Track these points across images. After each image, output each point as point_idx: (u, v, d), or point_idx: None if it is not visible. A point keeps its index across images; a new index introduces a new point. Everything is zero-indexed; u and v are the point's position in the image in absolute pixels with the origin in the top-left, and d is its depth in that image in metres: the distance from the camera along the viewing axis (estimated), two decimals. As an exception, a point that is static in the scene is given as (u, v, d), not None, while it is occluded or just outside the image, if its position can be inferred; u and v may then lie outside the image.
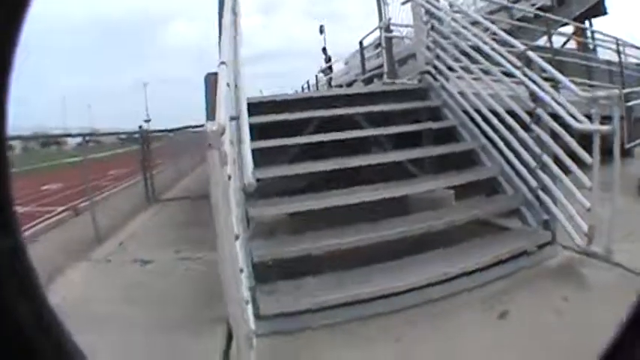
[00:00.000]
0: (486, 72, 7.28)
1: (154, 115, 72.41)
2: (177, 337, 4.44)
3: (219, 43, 5.34)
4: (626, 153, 6.74)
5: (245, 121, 4.56)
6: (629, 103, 10.06)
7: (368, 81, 14.20)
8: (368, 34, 15.54)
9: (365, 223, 5.72)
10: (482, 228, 6.38)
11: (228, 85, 4.37)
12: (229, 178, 3.34)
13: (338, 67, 26.32)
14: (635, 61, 17.10)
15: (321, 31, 34.39)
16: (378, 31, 13.23)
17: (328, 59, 26.28)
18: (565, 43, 18.02)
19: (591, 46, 18.57)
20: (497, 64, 6.98)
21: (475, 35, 7.55)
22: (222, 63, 4.49)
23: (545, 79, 6.43)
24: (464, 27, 7.83)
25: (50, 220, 10.72)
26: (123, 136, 19.70)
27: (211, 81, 4.56)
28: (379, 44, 13.85)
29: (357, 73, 17.28)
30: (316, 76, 26.48)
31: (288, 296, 4.84)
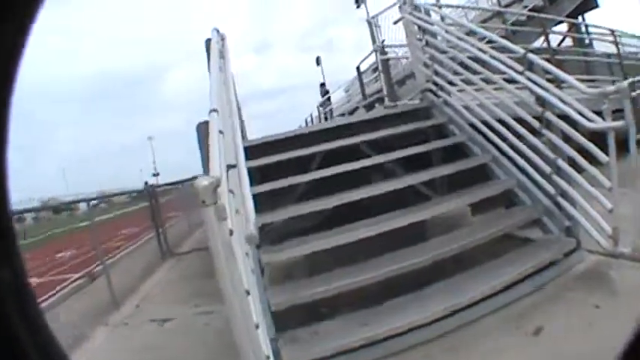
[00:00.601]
0: (488, 81, 7.17)
1: (163, 169, 72.63)
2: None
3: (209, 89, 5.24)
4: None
5: (243, 168, 4.39)
6: (634, 93, 9.90)
7: (369, 106, 14.12)
8: (364, 59, 15.51)
9: (383, 255, 5.56)
10: (505, 242, 6.17)
11: (221, 132, 4.20)
12: (231, 233, 3.14)
13: (339, 95, 26.34)
14: (633, 49, 17.09)
15: (318, 62, 34.73)
16: (374, 54, 13.17)
17: (325, 92, 26.28)
18: (561, 42, 18.01)
19: (587, 41, 18.55)
20: (499, 71, 6.86)
21: (472, 45, 7.45)
22: (214, 110, 4.36)
23: (549, 80, 6.29)
24: (459, 38, 7.73)
25: (66, 288, 10.66)
26: (131, 194, 19.79)
27: (203, 130, 4.41)
28: (376, 68, 13.81)
29: (359, 100, 17.28)
30: (318, 108, 26.48)
31: (309, 344, 4.68)
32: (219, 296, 6.62)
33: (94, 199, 12.11)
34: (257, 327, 3.42)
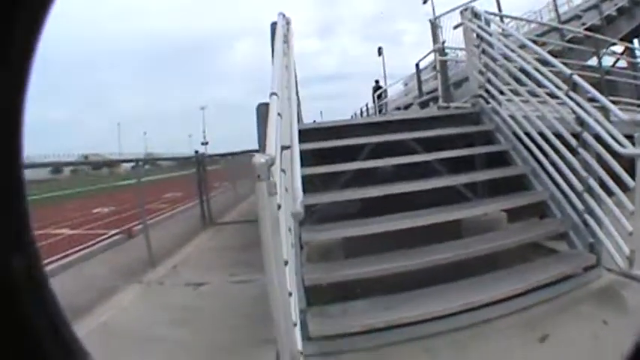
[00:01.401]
0: (535, 95, 7.32)
1: (212, 138, 72.90)
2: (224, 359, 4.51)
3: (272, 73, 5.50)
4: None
5: (296, 149, 4.66)
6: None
7: (424, 104, 14.27)
8: (424, 57, 15.61)
9: (416, 247, 5.80)
10: (533, 250, 6.43)
11: (279, 114, 4.48)
12: (279, 207, 3.47)
13: (397, 88, 26.28)
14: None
15: (380, 52, 34.55)
16: (433, 53, 13.30)
17: (377, 89, 26.21)
18: (615, 63, 17.86)
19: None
20: (545, 87, 7.03)
21: (524, 59, 7.59)
22: (273, 94, 4.60)
23: (590, 100, 6.48)
24: (513, 50, 7.88)
25: (103, 242, 10.95)
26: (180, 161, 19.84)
27: (262, 112, 4.70)
28: (434, 67, 13.96)
29: (415, 96, 17.32)
30: (374, 99, 26.53)
31: (337, 319, 4.94)
32: (256, 267, 6.93)
33: (134, 160, 12.24)
34: (290, 295, 3.73)
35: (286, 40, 6.59)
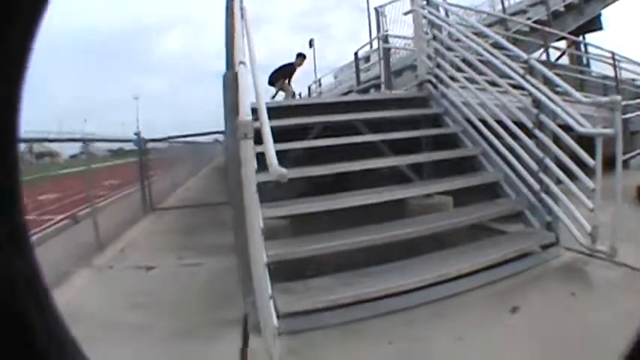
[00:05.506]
0: (493, 84, 7.38)
1: (143, 128, 72.17)
2: (190, 342, 4.42)
3: (227, 46, 5.52)
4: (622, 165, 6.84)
5: (265, 115, 4.58)
6: (625, 116, 10.21)
7: (364, 92, 14.29)
8: (363, 46, 15.71)
9: (365, 226, 5.79)
10: (484, 232, 6.51)
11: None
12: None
13: (327, 80, 26.51)
14: (631, 76, 17.36)
15: (311, 44, 34.48)
16: (370, 44, 13.42)
17: None
18: (559, 57, 18.27)
19: (585, 61, 18.85)
20: (504, 75, 7.08)
21: (478, 44, 7.63)
22: (242, 62, 4.59)
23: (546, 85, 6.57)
24: (466, 36, 7.92)
25: (50, 228, 10.62)
26: (115, 148, 19.58)
27: (229, 80, 4.61)
28: (368, 58, 14.04)
29: (350, 86, 17.47)
30: (309, 89, 26.61)
31: (302, 295, 4.88)
32: (202, 251, 6.78)
33: (88, 139, 11.97)
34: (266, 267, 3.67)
35: (243, 15, 6.47)
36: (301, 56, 15.79)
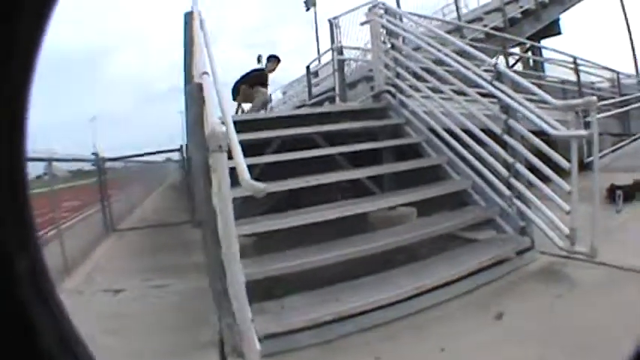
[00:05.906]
0: (459, 93, 7.31)
1: (105, 149, 71.45)
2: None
3: (186, 58, 5.69)
4: (585, 167, 6.85)
5: (232, 126, 4.45)
6: (587, 119, 10.29)
7: (318, 105, 14.10)
8: (315, 59, 15.63)
9: (329, 241, 5.66)
10: (455, 242, 6.39)
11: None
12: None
13: (274, 96, 26.53)
14: (593, 79, 17.62)
15: (259, 60, 34.36)
16: (319, 60, 13.39)
17: None
18: (515, 64, 18.47)
19: (541, 66, 19.15)
20: (472, 83, 7.03)
21: (440, 51, 7.54)
22: (205, 73, 4.52)
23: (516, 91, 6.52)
24: (428, 44, 7.84)
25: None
26: (74, 169, 19.38)
27: (193, 91, 4.48)
28: (317, 73, 13.99)
29: (302, 100, 17.62)
30: None
31: (278, 315, 4.74)
32: (167, 271, 6.61)
33: (44, 159, 11.73)
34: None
35: (203, 27, 6.35)
36: (274, 59, 14.35)
